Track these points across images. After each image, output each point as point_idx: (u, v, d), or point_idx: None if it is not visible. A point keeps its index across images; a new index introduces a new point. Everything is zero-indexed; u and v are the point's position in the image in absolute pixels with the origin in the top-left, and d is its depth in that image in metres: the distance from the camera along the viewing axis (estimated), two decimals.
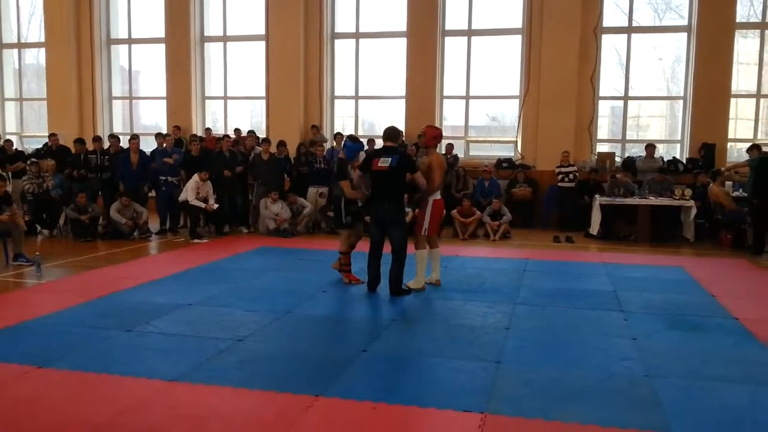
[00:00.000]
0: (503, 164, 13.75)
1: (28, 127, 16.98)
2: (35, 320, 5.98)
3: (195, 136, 13.41)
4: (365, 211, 7.71)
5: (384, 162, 6.93)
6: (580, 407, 4.16)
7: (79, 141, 12.08)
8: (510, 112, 14.67)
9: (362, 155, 8.78)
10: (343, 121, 15.48)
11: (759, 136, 13.27)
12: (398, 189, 7.03)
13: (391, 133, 7.20)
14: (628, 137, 14.21)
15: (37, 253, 8.46)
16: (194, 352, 5.12)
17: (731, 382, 4.66)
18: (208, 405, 4.18)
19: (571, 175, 12.71)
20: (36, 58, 17.32)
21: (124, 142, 12.50)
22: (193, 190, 11.02)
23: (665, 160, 13.06)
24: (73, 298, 6.78)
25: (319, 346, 5.43)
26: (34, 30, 16.87)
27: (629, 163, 12.97)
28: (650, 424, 3.93)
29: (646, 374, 4.76)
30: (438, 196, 7.43)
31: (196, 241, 10.87)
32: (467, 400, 4.22)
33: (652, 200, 11.42)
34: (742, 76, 13.76)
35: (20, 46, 16.97)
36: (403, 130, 13.97)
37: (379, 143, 13.36)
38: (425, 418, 4.04)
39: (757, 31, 13.46)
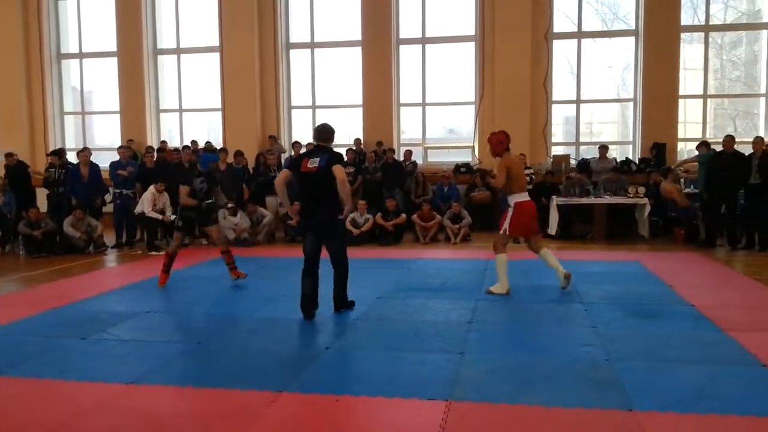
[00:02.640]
0: (461, 169, 13.86)
1: None
2: None
3: (150, 148, 13.20)
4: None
5: (313, 163, 6.00)
6: (544, 391, 4.18)
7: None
8: (467, 122, 14.80)
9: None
10: (301, 131, 15.43)
11: (707, 136, 13.64)
12: (330, 193, 5.98)
13: (322, 130, 6.22)
14: (584, 142, 14.48)
15: None
16: (153, 356, 5.00)
17: (691, 362, 4.75)
18: (168, 404, 4.10)
19: (528, 177, 12.83)
20: None
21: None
22: (149, 202, 10.84)
23: (618, 160, 13.35)
24: (26, 310, 6.58)
25: (281, 345, 5.35)
26: None
27: (584, 164, 13.20)
28: (613, 403, 3.97)
29: (607, 358, 4.82)
30: (522, 197, 7.12)
31: (153, 253, 10.67)
32: (432, 390, 4.21)
33: (607, 199, 11.63)
34: (690, 80, 14.19)
35: None
36: (361, 138, 14.03)
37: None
38: (390, 408, 4.01)
39: (702, 35, 13.88)
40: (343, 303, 6.36)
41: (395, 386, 4.28)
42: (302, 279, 6.18)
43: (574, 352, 4.98)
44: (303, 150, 13.07)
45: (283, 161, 12.97)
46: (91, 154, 11.82)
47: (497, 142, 7.21)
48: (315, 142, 6.28)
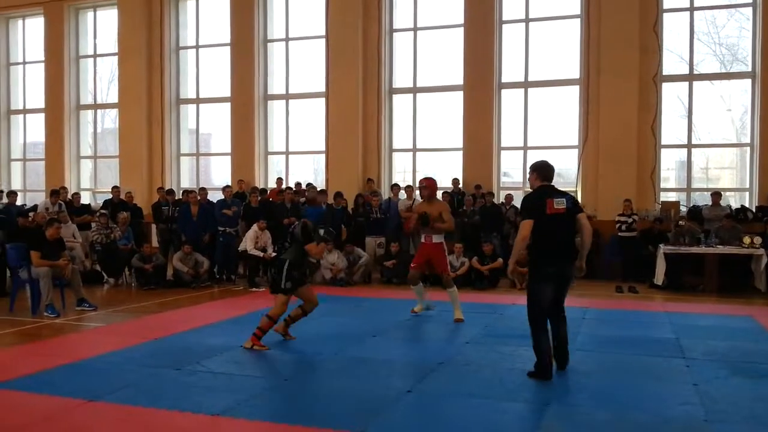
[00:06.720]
0: None
1: (102, 184, 17.74)
2: (91, 359, 6.15)
3: (255, 188, 13.78)
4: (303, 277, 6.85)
5: (559, 204, 5.52)
6: None
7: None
8: (573, 166, 14.47)
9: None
10: (403, 175, 15.61)
11: None
12: (574, 238, 5.69)
13: (550, 168, 5.78)
14: (697, 188, 13.80)
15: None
16: (239, 390, 5.14)
17: None
18: None
19: (633, 225, 12.33)
20: (115, 120, 18.18)
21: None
22: (252, 240, 11.25)
23: (733, 208, 12.60)
24: (129, 340, 6.95)
25: (365, 386, 5.35)
26: (114, 93, 17.73)
27: (695, 211, 12.54)
28: None
29: (706, 419, 4.50)
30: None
31: (254, 289, 11.03)
32: None
33: (720, 249, 10.97)
34: None
35: (96, 107, 17.99)
36: (461, 181, 14.00)
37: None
38: None
39: None
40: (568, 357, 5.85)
41: None
42: (539, 335, 5.55)
43: (669, 411, 4.68)
44: (402, 192, 13.22)
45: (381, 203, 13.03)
46: (207, 193, 12.76)
47: (435, 187, 8.35)
48: (541, 182, 5.69)
